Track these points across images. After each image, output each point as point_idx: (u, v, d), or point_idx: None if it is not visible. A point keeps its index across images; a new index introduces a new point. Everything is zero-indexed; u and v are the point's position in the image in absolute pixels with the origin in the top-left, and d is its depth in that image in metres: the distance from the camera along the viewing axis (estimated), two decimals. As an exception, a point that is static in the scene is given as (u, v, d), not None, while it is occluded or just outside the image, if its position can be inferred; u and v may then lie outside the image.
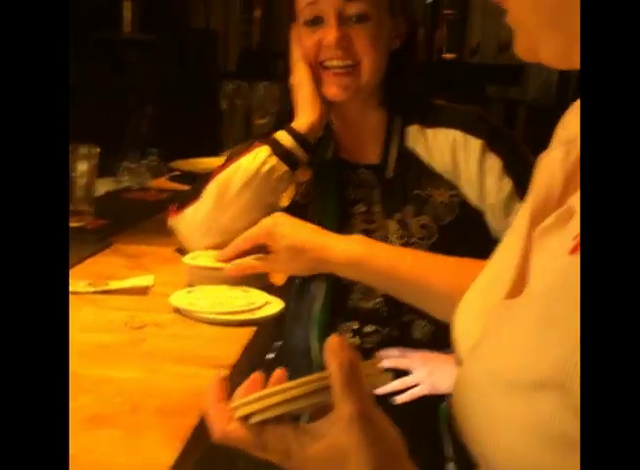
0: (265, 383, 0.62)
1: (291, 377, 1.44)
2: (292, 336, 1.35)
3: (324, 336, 1.32)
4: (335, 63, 1.24)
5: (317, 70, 1.27)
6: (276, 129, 1.32)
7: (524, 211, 0.67)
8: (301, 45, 1.27)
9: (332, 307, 1.31)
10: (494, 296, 0.65)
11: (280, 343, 1.39)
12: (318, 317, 1.31)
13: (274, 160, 1.25)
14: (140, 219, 1.59)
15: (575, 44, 0.61)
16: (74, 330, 0.96)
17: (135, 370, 0.86)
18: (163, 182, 2.05)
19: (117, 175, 2.04)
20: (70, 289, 1.11)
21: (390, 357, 1.27)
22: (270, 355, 1.40)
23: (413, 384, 1.23)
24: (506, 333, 0.58)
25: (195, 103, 3.27)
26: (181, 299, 1.06)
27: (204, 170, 1.84)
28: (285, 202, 1.36)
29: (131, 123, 3.80)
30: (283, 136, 1.27)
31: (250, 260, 1.14)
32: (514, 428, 0.53)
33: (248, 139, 2.28)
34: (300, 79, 1.29)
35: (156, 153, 2.16)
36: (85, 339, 0.95)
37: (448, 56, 5.80)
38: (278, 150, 1.26)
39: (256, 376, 0.63)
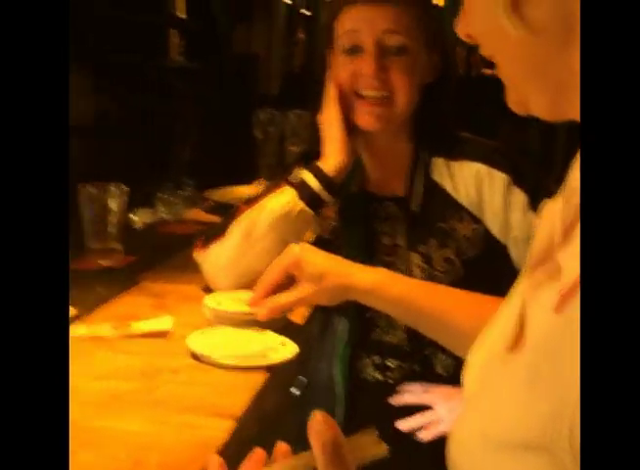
0: (267, 458, 0.63)
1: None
2: (316, 372, 1.35)
3: (347, 371, 1.31)
4: (370, 93, 1.24)
5: (351, 98, 1.26)
6: (304, 160, 1.33)
7: (527, 261, 0.67)
8: (337, 73, 1.27)
9: (355, 342, 1.30)
10: (497, 347, 0.65)
11: (303, 378, 1.39)
12: (341, 352, 1.31)
13: (300, 203, 1.26)
14: (169, 254, 1.61)
15: (564, 95, 0.60)
16: (89, 378, 0.99)
17: (141, 422, 0.87)
18: (198, 213, 2.07)
19: (154, 207, 2.07)
20: (95, 333, 1.13)
21: (413, 392, 1.26)
22: (295, 391, 1.39)
23: (435, 420, 1.22)
24: (497, 389, 0.58)
25: (231, 131, 3.31)
26: (197, 342, 1.06)
27: (237, 200, 1.87)
28: (308, 238, 1.37)
29: (175, 151, 3.87)
30: (309, 178, 1.27)
31: (279, 300, 1.11)
32: None
33: (282, 166, 2.31)
34: (331, 119, 1.28)
35: (191, 183, 2.19)
36: (98, 387, 0.96)
37: (487, 71, 5.75)
38: (304, 193, 1.26)
39: (258, 454, 0.64)
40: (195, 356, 1.04)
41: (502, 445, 0.52)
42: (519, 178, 1.26)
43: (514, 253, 1.25)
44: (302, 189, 1.26)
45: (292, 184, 1.28)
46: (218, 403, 0.92)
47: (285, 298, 1.11)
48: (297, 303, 1.14)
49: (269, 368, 1.03)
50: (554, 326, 0.51)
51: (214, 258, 1.30)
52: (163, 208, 2.06)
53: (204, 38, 4.36)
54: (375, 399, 1.26)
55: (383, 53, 1.24)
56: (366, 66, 1.23)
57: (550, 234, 0.64)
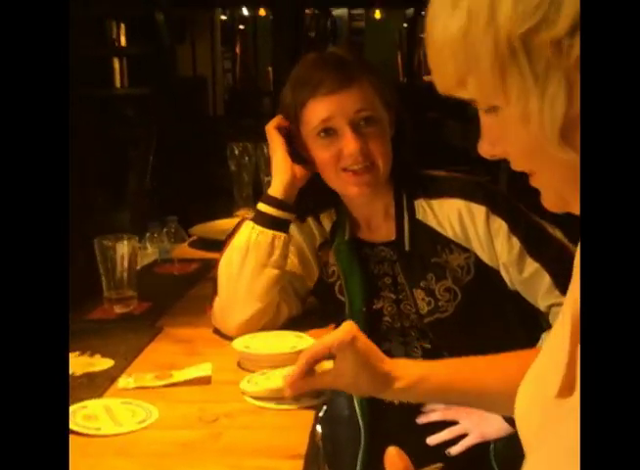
0: None
1: (339, 445, 1.54)
2: (335, 405, 1.46)
3: (366, 399, 1.43)
4: (355, 166, 1.37)
5: (337, 172, 1.39)
6: None
7: (565, 314, 0.77)
8: (317, 154, 1.40)
9: None
10: (545, 392, 0.76)
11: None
12: None
13: (258, 229, 1.39)
14: (176, 297, 1.70)
15: None
16: (155, 428, 1.08)
17: (220, 468, 0.97)
18: (185, 249, 2.16)
19: (141, 244, 2.15)
20: (140, 384, 1.22)
21: (437, 411, 1.39)
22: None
23: (462, 433, 1.35)
24: (558, 434, 0.69)
25: (205, 166, 3.39)
26: (251, 388, 1.16)
27: (221, 233, 1.96)
28: (309, 283, 1.49)
29: (133, 175, 3.92)
30: (261, 206, 1.41)
31: (313, 384, 1.08)
32: None
33: (259, 196, 2.41)
34: (274, 147, 1.43)
35: (174, 220, 2.28)
36: (166, 437, 1.06)
37: (427, 78, 5.99)
38: (259, 220, 1.40)
39: None
40: (251, 399, 1.15)
41: None
42: (496, 208, 1.38)
43: (506, 277, 1.39)
44: (257, 216, 1.40)
45: (249, 217, 1.42)
46: (281, 445, 1.03)
47: (318, 379, 1.07)
48: (329, 386, 1.11)
49: (318, 405, 1.14)
50: None
51: (218, 312, 1.44)
52: (150, 244, 2.14)
53: (147, 63, 4.42)
54: (399, 423, 1.39)
55: (357, 129, 1.37)
56: (348, 146, 1.36)
57: None
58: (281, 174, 1.40)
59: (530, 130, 0.63)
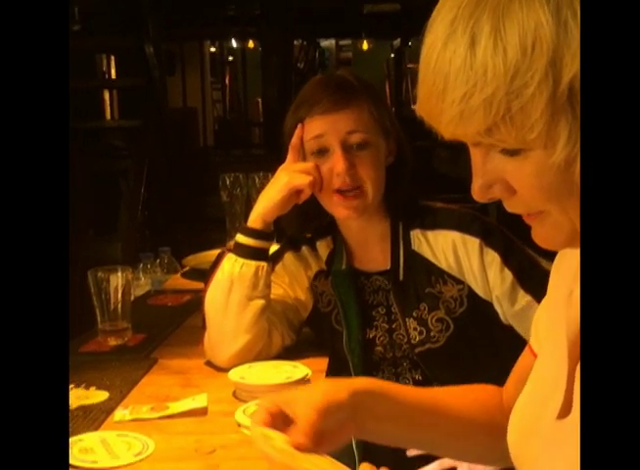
0: None
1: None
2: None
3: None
4: (344, 187, 1.39)
5: (330, 194, 1.41)
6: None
7: (560, 341, 0.78)
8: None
9: None
10: (544, 416, 0.76)
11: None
12: None
13: (240, 261, 1.40)
14: (171, 328, 1.70)
15: None
16: (151, 460, 1.08)
17: (221, 500, 0.97)
18: (178, 280, 2.17)
19: (134, 275, 2.15)
20: (136, 416, 1.22)
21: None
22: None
23: (451, 466, 1.34)
24: (564, 454, 0.70)
25: (196, 197, 3.40)
26: (244, 418, 1.16)
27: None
28: (303, 313, 1.50)
29: (124, 207, 3.93)
30: (240, 237, 1.42)
31: None
32: None
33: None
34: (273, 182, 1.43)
35: (167, 251, 2.29)
36: (165, 470, 1.06)
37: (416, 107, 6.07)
38: (240, 251, 1.40)
39: None
40: (247, 430, 1.14)
41: None
42: (490, 240, 1.39)
43: (499, 310, 1.40)
44: (237, 249, 1.41)
45: (230, 250, 1.43)
46: (280, 475, 1.03)
47: None
48: None
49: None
50: None
51: (209, 348, 1.45)
52: (144, 278, 2.15)
53: (137, 95, 4.45)
54: (392, 455, 1.38)
55: (348, 151, 1.38)
56: (336, 166, 1.37)
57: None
58: (257, 206, 1.42)
59: (572, 171, 0.62)
